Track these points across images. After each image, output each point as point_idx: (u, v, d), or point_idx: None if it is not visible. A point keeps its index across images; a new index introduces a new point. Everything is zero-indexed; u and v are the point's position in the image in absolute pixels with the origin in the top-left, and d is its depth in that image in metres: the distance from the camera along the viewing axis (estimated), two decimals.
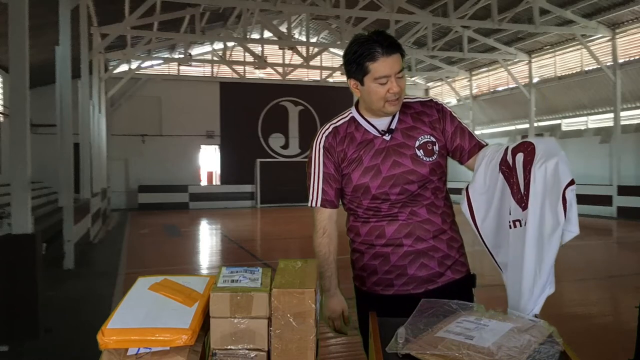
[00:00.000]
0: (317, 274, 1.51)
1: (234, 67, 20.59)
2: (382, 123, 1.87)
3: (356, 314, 2.01)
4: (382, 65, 1.75)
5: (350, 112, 1.94)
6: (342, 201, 1.98)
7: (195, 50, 19.96)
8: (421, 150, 1.84)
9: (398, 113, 1.87)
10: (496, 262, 1.76)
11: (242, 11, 15.53)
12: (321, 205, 1.95)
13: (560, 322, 1.47)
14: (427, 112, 1.90)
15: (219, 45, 20.32)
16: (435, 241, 1.87)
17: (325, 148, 1.91)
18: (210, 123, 21.09)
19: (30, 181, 5.37)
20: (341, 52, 22.56)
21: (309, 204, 1.98)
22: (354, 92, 1.87)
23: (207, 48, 20.71)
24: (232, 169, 21.16)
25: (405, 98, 1.90)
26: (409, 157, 1.83)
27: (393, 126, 1.86)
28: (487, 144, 1.89)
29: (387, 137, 1.85)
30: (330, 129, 1.93)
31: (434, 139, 1.86)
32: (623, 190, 14.75)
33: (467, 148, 1.90)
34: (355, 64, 1.78)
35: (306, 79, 22.37)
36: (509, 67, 18.59)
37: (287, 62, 20.57)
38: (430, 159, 1.84)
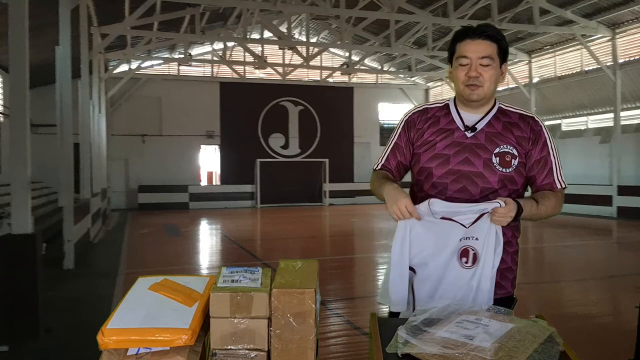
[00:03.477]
0: (316, 272, 1.51)
1: (234, 67, 20.59)
2: (470, 118, 1.87)
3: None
4: (465, 46, 1.80)
5: (448, 100, 1.96)
6: (412, 189, 1.99)
7: (195, 50, 19.95)
8: (497, 158, 1.81)
9: (490, 116, 1.86)
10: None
11: (242, 11, 15.53)
12: (381, 169, 1.98)
13: (560, 322, 1.47)
14: (521, 126, 1.86)
15: (219, 45, 20.32)
16: None
17: (407, 122, 1.95)
18: (210, 123, 21.09)
19: (30, 181, 5.37)
20: (341, 52, 22.55)
21: (373, 167, 2.02)
22: (450, 77, 1.93)
23: (207, 48, 20.71)
24: (232, 169, 21.16)
25: (507, 106, 1.91)
26: (483, 160, 1.81)
27: (479, 126, 1.85)
28: (563, 187, 1.86)
29: (468, 134, 1.84)
30: (421, 108, 1.97)
31: (515, 152, 1.82)
32: (623, 190, 14.75)
33: (538, 183, 1.87)
34: (450, 46, 1.87)
35: (306, 79, 22.36)
36: (509, 67, 18.53)
37: (287, 62, 20.57)
38: (505, 170, 1.81)
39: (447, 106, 1.92)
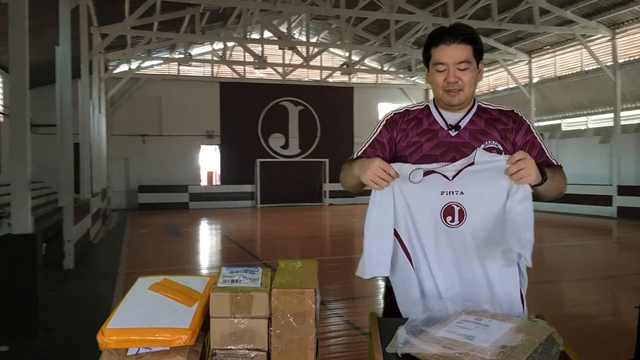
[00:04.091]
0: (316, 272, 1.51)
1: (234, 67, 20.59)
2: (452, 118, 1.86)
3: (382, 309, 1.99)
4: (441, 52, 1.77)
5: (428, 102, 1.95)
6: None
7: (195, 50, 19.96)
8: None
9: (472, 114, 1.86)
10: None
11: (242, 11, 15.53)
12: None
13: (560, 322, 1.47)
14: (503, 120, 1.86)
15: (219, 45, 20.32)
16: None
17: (388, 121, 1.93)
18: (210, 123, 21.09)
19: (30, 181, 5.37)
20: (341, 52, 22.56)
21: (350, 158, 1.94)
22: (427, 80, 1.92)
23: (207, 48, 20.71)
24: (232, 169, 21.16)
25: (486, 104, 1.90)
26: None
27: (462, 124, 1.84)
28: (559, 165, 1.82)
29: (452, 133, 1.83)
30: (402, 110, 1.95)
31: (501, 148, 1.81)
32: (623, 190, 14.75)
33: None
34: (424, 50, 1.85)
35: (306, 79, 22.36)
36: (509, 67, 18.60)
37: (287, 62, 20.57)
38: None
39: (427, 107, 1.92)
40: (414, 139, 1.85)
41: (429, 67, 1.84)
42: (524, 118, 1.88)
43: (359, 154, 1.92)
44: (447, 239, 1.66)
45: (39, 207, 11.91)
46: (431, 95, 2.00)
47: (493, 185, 1.61)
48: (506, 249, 1.56)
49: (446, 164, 1.66)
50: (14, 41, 5.39)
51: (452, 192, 1.64)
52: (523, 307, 1.69)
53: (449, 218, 1.65)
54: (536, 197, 1.69)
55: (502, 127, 1.84)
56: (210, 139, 21.22)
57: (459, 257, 1.66)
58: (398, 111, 1.95)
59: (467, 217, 1.64)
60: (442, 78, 1.79)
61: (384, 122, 1.94)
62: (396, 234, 1.70)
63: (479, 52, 1.80)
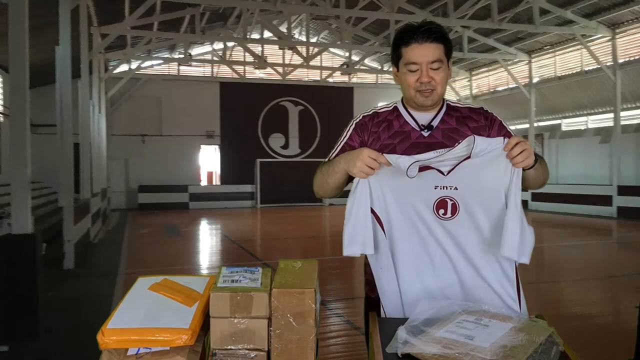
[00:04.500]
0: (316, 272, 1.51)
1: (234, 67, 20.59)
2: (423, 118, 1.83)
3: (363, 323, 1.96)
4: (413, 52, 1.73)
5: (395, 103, 1.91)
6: None
7: (195, 50, 19.95)
8: None
9: (442, 113, 1.84)
10: None
11: (242, 11, 15.53)
12: None
13: (560, 322, 1.47)
14: (474, 117, 1.84)
15: (219, 45, 20.32)
16: None
17: (357, 124, 1.88)
18: (210, 123, 21.09)
19: (30, 181, 5.37)
20: (341, 52, 22.52)
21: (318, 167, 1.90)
22: (395, 79, 1.86)
23: (207, 48, 20.71)
24: (232, 169, 21.16)
25: (454, 103, 1.89)
26: None
27: (434, 123, 1.82)
28: (541, 158, 1.79)
29: (425, 133, 1.81)
30: (370, 112, 1.91)
31: None
32: (623, 190, 14.75)
33: None
34: (393, 48, 1.79)
35: (306, 79, 22.36)
36: (509, 67, 18.59)
37: (287, 62, 20.57)
38: None
39: (396, 108, 1.88)
40: (387, 142, 1.82)
41: (399, 66, 1.79)
42: (494, 114, 1.87)
43: (330, 159, 1.85)
44: (438, 231, 1.64)
45: (39, 207, 11.91)
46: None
47: (488, 181, 1.62)
48: (499, 250, 1.57)
49: (442, 151, 1.59)
50: (14, 41, 5.40)
51: (446, 187, 1.63)
52: (519, 297, 1.67)
53: (441, 211, 1.64)
54: (525, 189, 1.69)
55: (474, 124, 1.83)
56: (210, 139, 21.22)
57: (450, 252, 1.65)
58: (366, 114, 1.90)
59: (460, 211, 1.63)
60: (415, 78, 1.75)
61: (353, 126, 1.89)
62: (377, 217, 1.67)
63: (449, 51, 1.77)
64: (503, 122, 1.85)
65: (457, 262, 1.65)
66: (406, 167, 1.58)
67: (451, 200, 1.63)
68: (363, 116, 1.90)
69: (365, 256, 1.78)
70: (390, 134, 1.82)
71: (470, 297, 1.63)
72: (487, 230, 1.63)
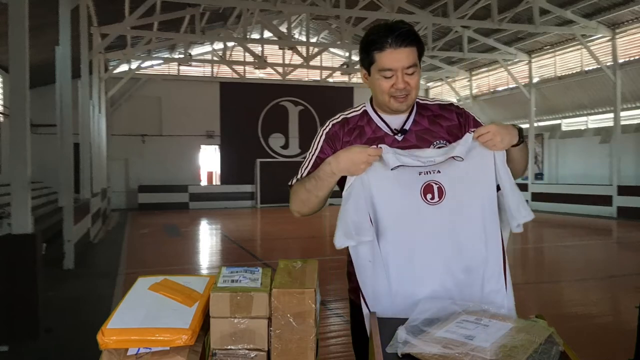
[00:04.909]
0: (316, 272, 1.50)
1: (234, 67, 20.60)
2: (395, 121, 1.78)
3: (350, 331, 1.93)
4: (388, 57, 1.66)
5: (364, 106, 1.84)
6: None
7: (195, 50, 19.96)
8: None
9: (414, 114, 1.79)
10: None
11: (242, 11, 15.53)
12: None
13: (560, 322, 1.47)
14: (446, 116, 1.80)
15: (219, 45, 20.32)
16: None
17: (328, 135, 1.80)
18: (210, 123, 21.10)
19: (30, 181, 5.37)
20: (341, 52, 22.45)
21: (290, 183, 1.82)
22: (364, 82, 1.79)
23: (207, 48, 20.71)
24: (232, 169, 21.17)
25: (423, 99, 1.84)
26: None
27: (407, 126, 1.77)
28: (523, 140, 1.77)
29: (399, 138, 1.76)
30: (339, 119, 1.83)
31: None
32: (623, 190, 14.75)
33: None
34: (364, 52, 1.71)
35: (306, 79, 22.37)
36: (509, 67, 18.59)
37: (287, 62, 20.58)
38: None
39: (365, 112, 1.81)
40: None
41: (371, 71, 1.71)
42: (465, 109, 1.83)
43: (303, 175, 1.78)
44: (427, 216, 1.61)
45: (39, 207, 11.91)
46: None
47: (470, 166, 1.62)
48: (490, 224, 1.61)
49: (428, 162, 1.60)
50: (14, 41, 5.40)
51: (430, 172, 1.62)
52: (505, 282, 1.62)
53: (429, 196, 1.61)
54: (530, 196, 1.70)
55: (447, 123, 1.79)
56: (210, 139, 21.23)
57: (439, 235, 1.61)
58: (336, 121, 1.82)
59: (447, 194, 1.61)
60: (390, 84, 1.68)
61: (323, 137, 1.80)
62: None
63: (422, 52, 1.73)
64: (477, 118, 1.82)
65: (446, 247, 1.61)
66: (390, 167, 1.60)
67: (436, 184, 1.61)
68: (333, 124, 1.82)
69: (348, 267, 1.78)
70: (363, 141, 1.75)
71: (460, 284, 1.60)
72: (477, 213, 1.61)
